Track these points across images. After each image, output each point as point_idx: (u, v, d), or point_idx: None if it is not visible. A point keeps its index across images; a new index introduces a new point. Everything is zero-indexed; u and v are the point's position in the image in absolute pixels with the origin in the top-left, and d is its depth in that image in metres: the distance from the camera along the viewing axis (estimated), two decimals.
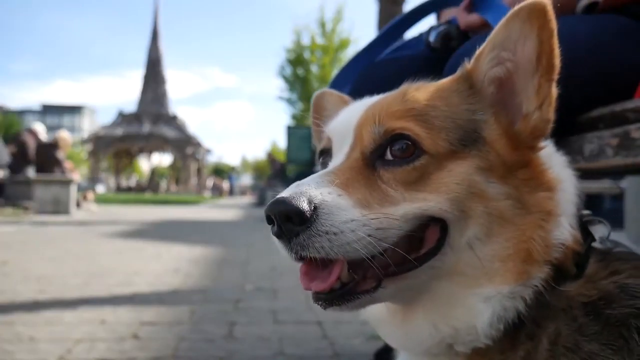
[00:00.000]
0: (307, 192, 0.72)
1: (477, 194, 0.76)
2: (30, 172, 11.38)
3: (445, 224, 0.76)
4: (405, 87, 0.88)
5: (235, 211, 16.43)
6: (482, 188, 0.76)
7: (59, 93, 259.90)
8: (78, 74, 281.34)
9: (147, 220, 10.59)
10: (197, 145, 41.65)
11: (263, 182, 28.59)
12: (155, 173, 48.80)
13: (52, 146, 11.87)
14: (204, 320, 2.61)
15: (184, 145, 40.46)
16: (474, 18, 1.47)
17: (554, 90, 0.80)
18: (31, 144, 11.59)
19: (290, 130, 15.30)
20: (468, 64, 0.85)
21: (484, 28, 1.42)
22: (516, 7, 0.77)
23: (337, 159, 0.83)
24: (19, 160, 11.41)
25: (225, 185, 45.15)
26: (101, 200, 18.42)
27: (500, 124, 0.80)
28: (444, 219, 0.76)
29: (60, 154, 11.78)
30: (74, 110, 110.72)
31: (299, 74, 26.47)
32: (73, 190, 11.06)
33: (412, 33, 1.77)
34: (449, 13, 1.76)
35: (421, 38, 1.64)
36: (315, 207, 0.71)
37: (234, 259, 5.05)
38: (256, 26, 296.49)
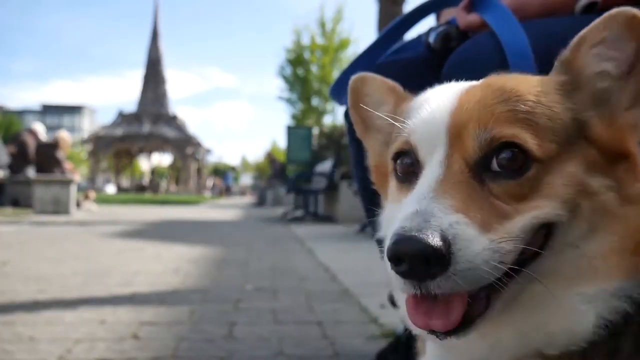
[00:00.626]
0: (436, 224, 0.64)
1: (584, 191, 0.74)
2: (30, 172, 11.39)
3: (551, 227, 0.73)
4: (497, 79, 0.81)
5: (235, 211, 16.43)
6: (588, 184, 0.74)
7: (59, 93, 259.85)
8: (78, 74, 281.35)
9: (147, 220, 10.59)
10: (197, 145, 41.67)
11: (263, 182, 28.59)
12: (155, 173, 48.79)
13: (52, 146, 11.88)
14: (204, 320, 2.62)
15: (184, 145, 40.49)
16: (473, 18, 1.47)
17: None
18: (31, 144, 11.59)
19: (290, 130, 15.29)
20: (564, 57, 0.82)
21: (483, 28, 1.42)
22: (614, 11, 0.77)
23: (432, 168, 0.74)
24: (19, 160, 11.42)
25: (218, 182, 44.97)
26: (101, 200, 18.42)
27: (603, 120, 0.78)
28: (556, 222, 0.73)
29: (60, 154, 11.79)
30: (74, 110, 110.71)
31: (299, 74, 26.49)
32: (73, 190, 11.06)
33: (411, 34, 1.77)
34: (449, 13, 1.76)
35: (420, 39, 1.64)
36: (449, 244, 0.63)
37: (234, 259, 5.05)
38: (255, 26, 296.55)
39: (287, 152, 15.23)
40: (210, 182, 47.08)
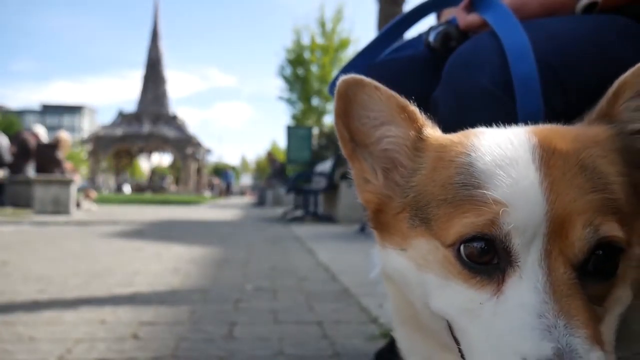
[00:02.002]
0: (577, 355, 0.56)
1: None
2: (31, 172, 11.38)
3: None
4: (563, 140, 0.67)
5: (235, 211, 16.42)
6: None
7: (59, 93, 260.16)
8: (78, 74, 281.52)
9: (147, 220, 10.59)
10: (197, 145, 41.67)
11: (263, 182, 28.58)
12: (155, 173, 48.78)
13: (52, 146, 11.88)
14: (203, 320, 2.61)
15: (184, 145, 40.50)
16: (473, 18, 1.47)
17: None
18: (32, 144, 11.59)
19: (290, 130, 15.31)
20: (604, 110, 0.71)
21: (483, 28, 1.42)
22: None
23: (531, 269, 0.62)
24: (19, 160, 11.41)
25: (217, 182, 44.70)
26: (101, 200, 18.41)
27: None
28: None
29: (60, 154, 11.79)
30: (74, 110, 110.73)
31: (299, 74, 26.49)
32: (73, 191, 11.06)
33: (412, 33, 1.77)
34: (449, 13, 1.76)
35: (421, 38, 1.64)
36: None
37: (234, 259, 5.05)
38: (254, 26, 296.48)
39: (287, 152, 15.24)
40: (211, 182, 47.08)
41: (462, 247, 0.64)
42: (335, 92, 0.82)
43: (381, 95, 0.79)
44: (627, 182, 0.65)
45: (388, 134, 0.80)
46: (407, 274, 0.73)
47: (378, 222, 0.81)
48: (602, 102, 0.71)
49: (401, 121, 0.78)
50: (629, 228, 0.63)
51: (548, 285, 0.60)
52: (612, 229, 0.61)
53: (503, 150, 0.66)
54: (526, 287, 0.61)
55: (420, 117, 0.79)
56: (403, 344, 0.87)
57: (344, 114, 0.82)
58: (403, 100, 0.80)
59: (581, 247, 0.61)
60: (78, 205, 11.80)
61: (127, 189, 41.57)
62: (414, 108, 0.80)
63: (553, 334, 0.56)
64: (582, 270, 0.62)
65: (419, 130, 0.77)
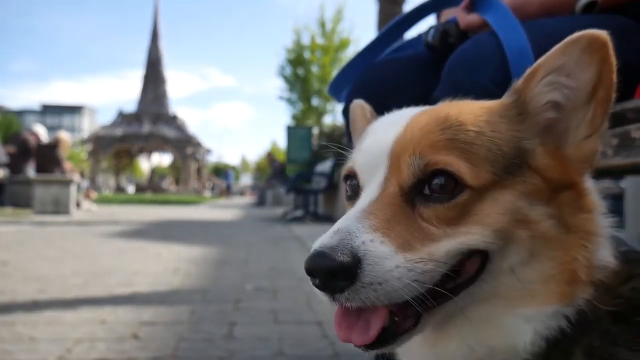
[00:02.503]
0: (349, 242, 0.69)
1: (521, 220, 0.74)
2: (30, 172, 11.38)
3: (486, 253, 0.75)
4: (446, 107, 0.83)
5: (235, 211, 16.42)
6: (526, 213, 0.74)
7: (58, 93, 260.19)
8: (78, 74, 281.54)
9: (147, 220, 10.60)
10: (197, 145, 41.65)
11: (263, 182, 28.57)
12: (155, 173, 48.80)
13: (52, 146, 11.88)
14: (204, 320, 2.62)
15: (184, 145, 40.46)
16: (473, 18, 1.47)
17: (606, 123, 0.78)
18: (32, 144, 11.59)
19: (290, 130, 15.31)
20: (517, 85, 0.81)
21: (484, 28, 1.42)
22: (575, 35, 0.75)
23: (371, 190, 0.78)
24: (19, 160, 11.41)
25: (218, 182, 44.45)
26: (101, 200, 18.41)
27: (547, 149, 0.78)
28: (487, 250, 0.74)
29: (60, 154, 11.79)
30: (74, 110, 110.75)
31: (299, 74, 26.46)
32: (73, 190, 11.06)
33: (412, 33, 1.77)
34: (449, 13, 1.76)
35: (420, 39, 1.64)
36: (359, 260, 0.67)
37: (234, 259, 5.05)
38: (254, 27, 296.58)
39: (287, 152, 15.24)
40: (210, 182, 47.01)
41: (346, 187, 0.88)
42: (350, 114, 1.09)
43: (357, 110, 1.07)
44: (511, 139, 0.77)
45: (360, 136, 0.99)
46: None
47: None
48: (519, 80, 0.81)
49: (363, 125, 1.00)
50: (498, 177, 0.74)
51: (373, 201, 0.75)
52: (444, 159, 0.73)
53: (389, 119, 0.88)
54: (360, 200, 0.77)
55: (370, 118, 1.02)
56: None
57: (352, 129, 1.11)
58: (367, 109, 1.05)
59: (407, 171, 0.75)
60: (78, 205, 11.80)
61: (130, 189, 41.65)
62: (369, 113, 1.04)
63: (343, 222, 0.72)
64: (415, 193, 0.75)
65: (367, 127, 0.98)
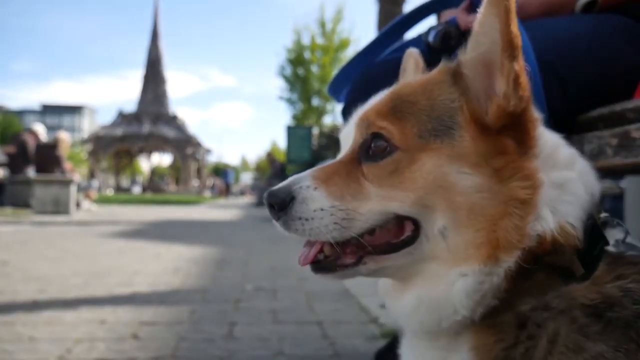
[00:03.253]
0: (291, 186, 0.86)
1: (445, 187, 0.79)
2: (30, 172, 11.38)
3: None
4: (398, 82, 0.93)
5: (235, 211, 16.43)
6: (451, 180, 0.79)
7: (58, 93, 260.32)
8: (78, 74, 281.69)
9: (147, 220, 10.59)
10: (197, 145, 41.64)
11: (263, 182, 28.55)
12: (155, 173, 48.77)
13: (52, 146, 11.87)
14: (204, 320, 2.62)
15: (184, 145, 40.46)
16: (474, 18, 1.47)
17: (519, 69, 0.80)
18: (31, 144, 11.59)
19: (290, 130, 15.32)
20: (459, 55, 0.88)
21: None
22: None
23: (341, 153, 0.92)
24: (19, 160, 11.40)
25: (218, 182, 43.67)
26: (101, 200, 18.41)
27: (473, 110, 0.82)
28: (410, 216, 0.82)
29: (60, 154, 11.78)
30: (74, 110, 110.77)
31: (299, 74, 26.47)
32: (73, 190, 11.06)
33: (412, 34, 1.77)
34: (449, 14, 1.76)
35: (420, 39, 1.64)
36: (292, 197, 0.84)
37: (234, 259, 5.05)
38: (254, 27, 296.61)
39: (287, 152, 15.24)
40: (210, 181, 46.90)
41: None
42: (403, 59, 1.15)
43: (411, 60, 1.15)
44: (442, 102, 0.84)
45: None
46: None
47: None
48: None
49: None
50: (426, 143, 0.82)
51: (334, 161, 0.90)
52: (379, 124, 0.85)
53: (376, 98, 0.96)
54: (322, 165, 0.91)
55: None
56: None
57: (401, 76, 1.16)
58: (419, 63, 1.12)
59: (358, 135, 0.88)
60: (78, 205, 11.79)
61: (137, 189, 41.46)
62: (421, 63, 1.12)
63: (299, 179, 0.87)
64: (363, 153, 0.87)
65: None
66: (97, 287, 3.43)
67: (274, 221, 0.89)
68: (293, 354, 2.09)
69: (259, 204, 21.98)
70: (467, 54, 0.85)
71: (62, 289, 3.34)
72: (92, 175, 36.09)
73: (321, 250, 0.87)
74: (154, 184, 42.43)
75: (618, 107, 1.17)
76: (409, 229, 0.83)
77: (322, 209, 0.83)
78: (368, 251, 0.84)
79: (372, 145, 0.85)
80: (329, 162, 0.90)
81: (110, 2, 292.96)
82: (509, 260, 0.77)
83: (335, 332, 2.41)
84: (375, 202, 0.82)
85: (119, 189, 41.21)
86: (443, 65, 0.89)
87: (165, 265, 4.48)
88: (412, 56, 1.13)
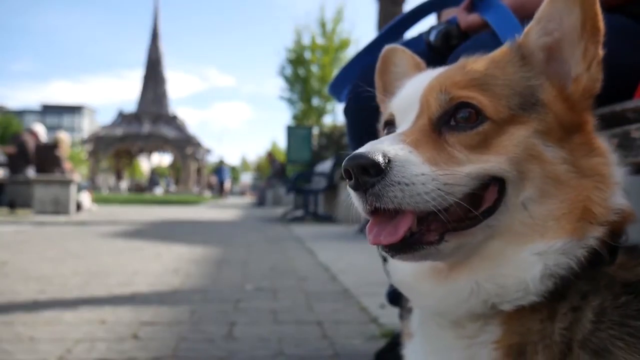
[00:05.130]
0: (381, 147, 0.77)
1: (535, 156, 0.81)
2: (30, 172, 11.38)
3: (504, 184, 0.81)
4: (463, 60, 0.93)
5: (235, 211, 16.43)
6: (539, 150, 0.81)
7: (58, 93, 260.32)
8: (78, 74, 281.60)
9: (147, 220, 10.59)
10: (197, 145, 41.67)
11: (263, 182, 28.53)
12: (155, 173, 48.78)
13: (52, 146, 11.87)
14: (204, 320, 2.62)
15: (184, 145, 40.49)
16: (474, 18, 1.48)
17: (600, 52, 0.86)
18: (31, 144, 11.58)
19: (290, 130, 15.29)
20: (519, 38, 0.91)
21: (484, 28, 1.42)
22: None
23: (404, 125, 0.88)
24: (18, 161, 11.40)
25: (213, 180, 41.04)
26: (101, 200, 18.41)
27: (554, 87, 0.86)
28: (504, 178, 0.80)
29: (60, 154, 11.78)
30: (74, 110, 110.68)
31: (299, 74, 26.49)
32: (73, 191, 11.06)
33: (412, 33, 1.77)
34: (449, 13, 1.76)
35: (421, 38, 1.64)
36: (389, 160, 0.75)
37: (234, 259, 5.05)
38: (253, 27, 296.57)
39: (287, 152, 15.23)
40: (213, 179, 46.77)
41: (384, 132, 0.98)
42: (380, 55, 1.14)
43: (406, 56, 1.12)
44: (520, 79, 0.86)
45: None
46: None
47: None
48: (526, 29, 0.92)
49: (413, 74, 1.04)
50: (514, 113, 0.83)
51: (405, 132, 0.84)
52: (466, 94, 0.82)
53: (423, 75, 0.97)
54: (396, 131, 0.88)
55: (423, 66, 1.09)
56: None
57: (381, 71, 1.14)
58: (419, 60, 1.11)
59: (435, 105, 0.85)
60: (78, 205, 11.79)
61: (159, 190, 39.55)
62: (423, 66, 1.09)
63: (382, 142, 0.79)
64: (442, 123, 0.84)
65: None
66: (97, 287, 3.43)
67: (354, 194, 0.80)
68: (293, 354, 2.09)
69: (259, 204, 22.01)
70: (534, 37, 0.89)
71: (62, 289, 3.34)
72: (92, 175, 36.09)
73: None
74: (141, 186, 42.26)
75: (618, 107, 1.17)
76: (491, 198, 0.81)
77: (423, 174, 0.76)
78: (450, 227, 0.80)
79: (457, 115, 0.83)
80: (403, 131, 0.85)
81: (110, 2, 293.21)
82: (596, 235, 0.78)
83: (335, 332, 2.41)
84: (472, 167, 0.80)
85: (111, 189, 40.84)
86: (508, 46, 0.91)
87: (166, 265, 4.48)
88: (398, 51, 1.14)
